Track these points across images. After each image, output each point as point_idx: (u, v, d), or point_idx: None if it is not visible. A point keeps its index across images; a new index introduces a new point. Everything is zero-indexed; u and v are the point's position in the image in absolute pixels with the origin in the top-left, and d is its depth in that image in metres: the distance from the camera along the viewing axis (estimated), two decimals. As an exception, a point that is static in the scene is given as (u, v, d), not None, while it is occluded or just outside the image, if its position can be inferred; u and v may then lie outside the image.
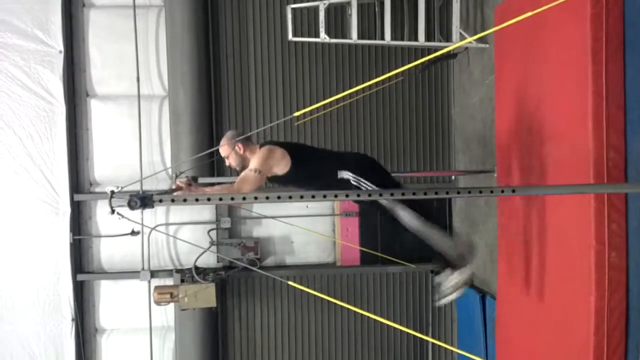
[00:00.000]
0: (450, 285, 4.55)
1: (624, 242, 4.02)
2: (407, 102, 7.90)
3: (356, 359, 8.02)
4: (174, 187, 4.47)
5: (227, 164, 4.60)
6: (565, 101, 4.44)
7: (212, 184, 5.69)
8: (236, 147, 4.44)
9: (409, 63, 7.46)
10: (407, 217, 4.41)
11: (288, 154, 4.37)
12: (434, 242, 4.48)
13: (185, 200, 2.94)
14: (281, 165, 4.35)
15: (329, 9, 6.76)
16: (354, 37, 6.67)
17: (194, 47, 7.30)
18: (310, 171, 4.47)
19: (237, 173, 4.46)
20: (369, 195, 3.03)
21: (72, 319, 7.55)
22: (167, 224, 7.73)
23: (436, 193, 2.93)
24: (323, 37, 6.70)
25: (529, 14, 2.92)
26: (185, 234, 7.73)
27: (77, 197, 7.51)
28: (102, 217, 7.69)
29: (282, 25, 7.60)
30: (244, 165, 4.45)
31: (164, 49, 7.53)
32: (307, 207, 7.71)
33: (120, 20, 7.59)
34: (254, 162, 4.23)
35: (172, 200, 2.91)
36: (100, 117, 7.69)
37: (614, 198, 3.99)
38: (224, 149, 4.50)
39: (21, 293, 7.52)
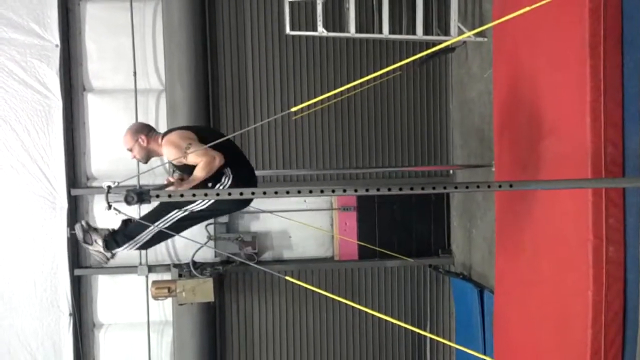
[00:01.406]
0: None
1: (622, 237, 4.02)
2: (404, 96, 7.89)
3: (354, 352, 8.04)
4: (165, 182, 4.46)
5: (131, 157, 4.45)
6: (564, 96, 4.43)
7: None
8: (139, 140, 4.31)
9: (407, 57, 7.54)
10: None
11: (192, 132, 4.25)
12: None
13: (182, 195, 2.93)
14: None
15: (326, 3, 6.73)
16: (351, 31, 6.64)
17: (191, 41, 7.28)
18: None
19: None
20: (367, 190, 3.01)
21: (70, 314, 7.56)
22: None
23: (434, 188, 2.93)
24: (321, 31, 6.68)
25: (528, 8, 2.90)
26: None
27: (74, 192, 7.50)
28: (99, 211, 7.68)
29: (279, 18, 7.58)
30: (149, 157, 4.38)
31: (161, 42, 7.51)
32: (305, 201, 7.71)
33: (116, 13, 7.57)
34: (173, 149, 4.09)
35: (169, 196, 2.91)
36: (97, 111, 7.67)
37: (612, 192, 3.99)
38: (126, 141, 4.38)
39: (19, 288, 7.53)
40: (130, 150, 4.39)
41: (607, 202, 4.00)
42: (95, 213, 7.71)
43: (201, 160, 3.98)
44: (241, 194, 2.96)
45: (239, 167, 4.36)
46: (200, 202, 4.20)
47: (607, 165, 4.01)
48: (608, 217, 4.00)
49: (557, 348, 4.55)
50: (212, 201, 4.19)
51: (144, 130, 4.38)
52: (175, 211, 4.27)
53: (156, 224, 4.22)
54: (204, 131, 4.55)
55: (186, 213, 4.28)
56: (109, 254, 4.39)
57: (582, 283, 4.12)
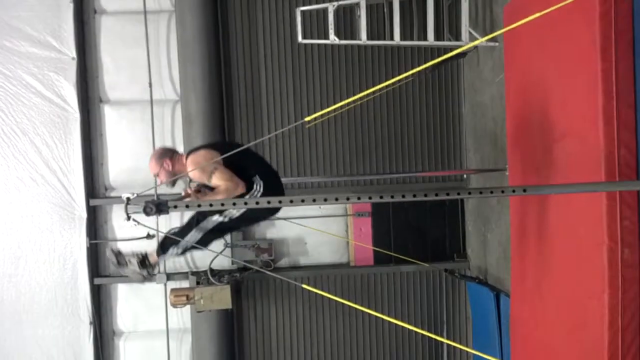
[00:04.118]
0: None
1: (637, 239, 4.03)
2: (417, 102, 7.91)
3: (371, 358, 8.04)
4: (183, 194, 4.53)
5: (159, 183, 4.45)
6: (576, 99, 4.44)
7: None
8: (164, 164, 4.36)
9: (418, 62, 7.58)
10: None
11: (216, 151, 4.28)
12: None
13: (199, 205, 2.99)
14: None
15: (338, 11, 6.78)
16: (363, 38, 6.69)
17: (205, 51, 7.36)
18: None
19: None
20: (381, 197, 3.06)
21: (90, 323, 7.65)
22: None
23: (447, 194, 2.96)
24: (332, 39, 6.73)
25: (538, 14, 2.94)
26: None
27: (93, 202, 7.61)
28: (117, 221, 7.77)
29: (291, 27, 7.64)
30: (175, 181, 4.41)
31: (175, 53, 7.59)
32: (320, 208, 7.74)
33: (131, 25, 7.68)
34: (198, 172, 4.15)
35: (187, 206, 2.97)
36: (114, 122, 7.78)
37: (626, 195, 3.99)
38: (152, 168, 4.42)
39: (39, 298, 7.64)
40: (157, 175, 4.45)
41: (622, 205, 4.00)
42: (113, 223, 7.80)
43: (224, 186, 4.09)
44: (257, 203, 3.01)
45: (267, 176, 4.49)
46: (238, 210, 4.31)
47: (620, 168, 4.02)
48: (622, 219, 4.01)
49: (573, 352, 4.55)
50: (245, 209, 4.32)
51: (167, 154, 4.43)
52: (217, 216, 4.34)
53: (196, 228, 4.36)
54: (228, 148, 4.56)
55: (225, 219, 4.36)
56: (144, 272, 4.45)
57: (598, 286, 4.12)
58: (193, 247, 4.53)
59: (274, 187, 4.45)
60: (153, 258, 4.45)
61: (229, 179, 4.08)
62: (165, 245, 4.51)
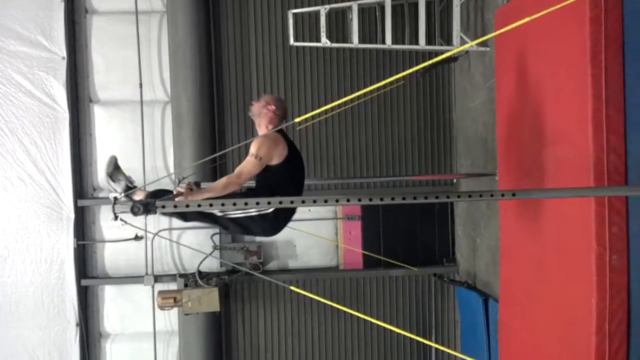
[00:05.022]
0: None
1: (625, 245, 4.04)
2: (408, 106, 7.92)
3: (360, 362, 8.04)
4: (175, 192, 4.49)
5: (249, 112, 4.52)
6: (566, 104, 4.46)
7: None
8: (268, 106, 4.38)
9: (410, 66, 7.58)
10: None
11: (288, 147, 4.31)
12: None
13: (187, 206, 2.97)
14: (276, 155, 4.24)
15: (330, 14, 6.80)
16: (355, 42, 6.69)
17: (196, 52, 7.34)
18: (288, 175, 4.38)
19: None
20: (370, 199, 3.04)
21: (77, 324, 7.59)
22: (171, 229, 7.75)
23: (437, 197, 2.96)
24: (324, 42, 6.74)
25: (529, 18, 2.94)
26: (189, 238, 7.75)
27: (81, 203, 7.56)
28: (105, 222, 7.72)
29: (283, 30, 7.64)
30: (257, 121, 4.44)
31: (166, 54, 7.57)
32: (310, 210, 7.72)
33: (122, 26, 7.65)
34: (255, 145, 4.16)
35: (175, 207, 2.94)
36: (104, 122, 7.74)
37: (615, 201, 4.00)
38: (264, 98, 4.48)
39: (26, 298, 7.57)
40: (255, 104, 4.46)
41: (610, 211, 4.01)
42: (101, 224, 7.75)
43: (242, 167, 4.08)
44: (246, 204, 2.99)
45: (283, 210, 4.38)
46: (235, 213, 4.26)
47: (609, 174, 4.03)
48: (611, 225, 4.02)
49: (561, 356, 4.56)
50: (244, 216, 4.27)
51: (279, 109, 4.41)
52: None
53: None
54: (294, 151, 4.48)
55: (220, 214, 4.31)
56: (121, 196, 4.35)
57: (586, 291, 4.13)
58: (178, 215, 4.39)
59: (283, 216, 4.39)
60: (138, 195, 4.36)
61: (243, 166, 4.07)
62: (157, 196, 4.42)
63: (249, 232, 4.65)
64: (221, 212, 4.30)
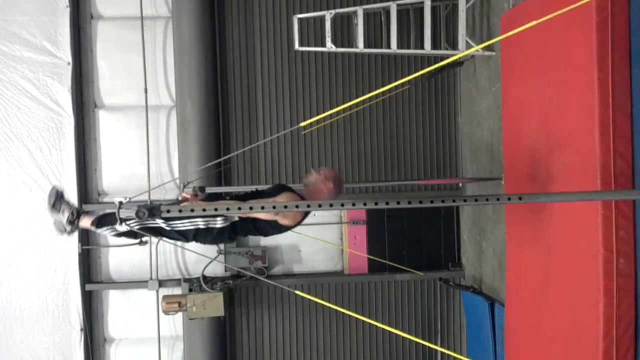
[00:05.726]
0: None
1: (632, 249, 4.01)
2: (413, 110, 7.90)
3: (365, 367, 8.01)
4: (180, 198, 4.49)
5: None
6: (572, 109, 4.44)
7: (220, 194, 5.69)
8: (327, 183, 4.20)
9: (415, 71, 7.51)
10: None
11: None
12: None
13: (192, 210, 2.95)
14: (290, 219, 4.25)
15: (335, 19, 6.79)
16: (360, 46, 6.69)
17: (201, 58, 7.35)
18: None
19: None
20: (375, 203, 3.04)
21: (81, 329, 7.58)
22: (175, 234, 7.73)
23: (443, 201, 2.94)
24: (329, 47, 6.73)
25: (535, 22, 2.93)
26: (193, 243, 7.72)
27: (86, 207, 7.53)
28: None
29: (288, 35, 7.64)
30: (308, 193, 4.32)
31: (172, 59, 7.58)
32: (315, 215, 7.70)
33: (127, 31, 7.66)
34: (290, 215, 4.15)
35: (180, 211, 2.93)
36: (108, 127, 7.74)
37: (622, 205, 3.98)
38: (326, 174, 4.32)
39: (31, 303, 7.57)
40: (314, 174, 4.36)
41: (617, 215, 3.99)
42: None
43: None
44: (251, 208, 2.98)
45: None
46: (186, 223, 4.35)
47: (616, 178, 4.01)
48: (618, 229, 4.00)
49: (568, 362, 4.53)
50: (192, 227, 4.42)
51: (335, 190, 4.24)
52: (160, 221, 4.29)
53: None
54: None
55: (165, 227, 4.33)
56: (68, 228, 4.35)
57: (593, 296, 4.10)
58: (126, 235, 4.41)
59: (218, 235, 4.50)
60: (84, 223, 4.36)
61: (258, 212, 4.06)
62: (103, 222, 4.40)
63: (187, 238, 4.65)
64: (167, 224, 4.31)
